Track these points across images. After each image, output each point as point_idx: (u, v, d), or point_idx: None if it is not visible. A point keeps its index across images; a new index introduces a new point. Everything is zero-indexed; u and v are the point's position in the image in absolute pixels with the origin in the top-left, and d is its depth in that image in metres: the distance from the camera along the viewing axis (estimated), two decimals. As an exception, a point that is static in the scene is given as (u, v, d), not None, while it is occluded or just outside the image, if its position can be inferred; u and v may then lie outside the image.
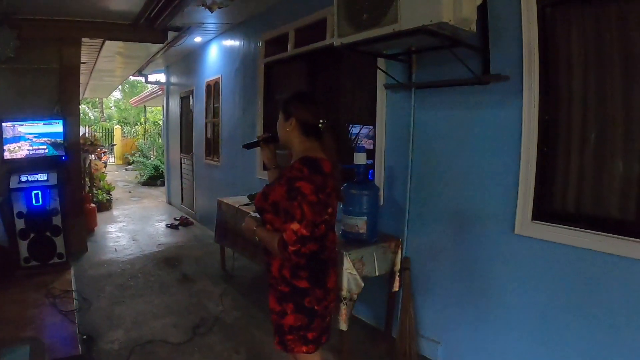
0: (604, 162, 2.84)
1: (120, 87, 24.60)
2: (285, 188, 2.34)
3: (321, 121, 2.51)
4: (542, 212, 3.10)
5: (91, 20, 6.54)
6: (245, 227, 2.66)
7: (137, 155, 18.25)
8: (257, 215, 2.58)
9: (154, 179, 15.94)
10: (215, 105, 8.55)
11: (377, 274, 3.91)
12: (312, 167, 2.34)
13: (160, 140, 17.84)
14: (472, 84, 3.42)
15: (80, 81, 7.24)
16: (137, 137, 22.92)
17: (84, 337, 4.14)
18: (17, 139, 5.96)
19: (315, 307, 2.49)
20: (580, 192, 2.97)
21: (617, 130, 2.77)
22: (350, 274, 3.60)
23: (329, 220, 2.48)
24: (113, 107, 32.11)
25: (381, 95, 4.28)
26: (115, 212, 10.78)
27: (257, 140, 2.81)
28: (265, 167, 2.87)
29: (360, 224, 3.79)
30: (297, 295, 2.47)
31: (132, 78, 16.37)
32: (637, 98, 2.69)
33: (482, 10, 3.18)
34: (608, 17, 2.78)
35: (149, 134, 21.40)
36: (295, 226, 2.26)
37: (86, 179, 9.06)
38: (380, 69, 4.13)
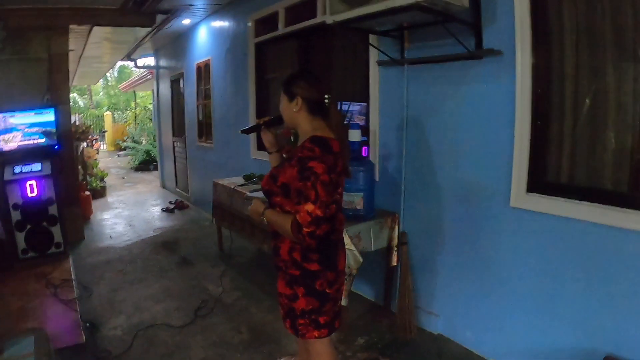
0: (597, 133, 2.85)
1: (109, 73, 24.38)
2: (297, 168, 2.28)
3: (326, 97, 2.50)
4: (537, 184, 3.12)
5: (78, 7, 6.44)
6: (252, 210, 2.60)
7: (129, 140, 18.18)
8: (256, 197, 2.53)
9: (147, 164, 15.93)
10: (206, 87, 8.51)
11: (372, 249, 3.94)
12: (323, 146, 2.30)
13: (151, 125, 17.77)
14: (465, 59, 3.42)
15: (69, 69, 7.17)
16: (128, 123, 22.80)
17: (87, 324, 4.17)
18: (9, 130, 5.93)
19: (327, 290, 2.48)
20: (574, 164, 2.99)
21: (609, 102, 2.78)
22: (349, 250, 3.59)
23: (339, 200, 2.48)
24: (102, 93, 31.86)
25: (374, 72, 4.28)
26: (110, 199, 10.77)
27: (257, 124, 2.70)
28: (266, 150, 2.77)
29: (356, 200, 3.81)
30: (308, 278, 2.45)
31: (120, 63, 16.25)
32: (628, 70, 2.69)
33: (474, -15, 3.17)
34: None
35: (140, 119, 21.29)
36: (309, 207, 2.22)
37: (79, 167, 9.03)
38: (372, 46, 4.12)
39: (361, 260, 3.66)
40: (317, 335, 2.55)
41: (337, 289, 2.55)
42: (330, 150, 2.32)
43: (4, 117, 5.89)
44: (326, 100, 2.50)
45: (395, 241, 4.09)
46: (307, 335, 2.55)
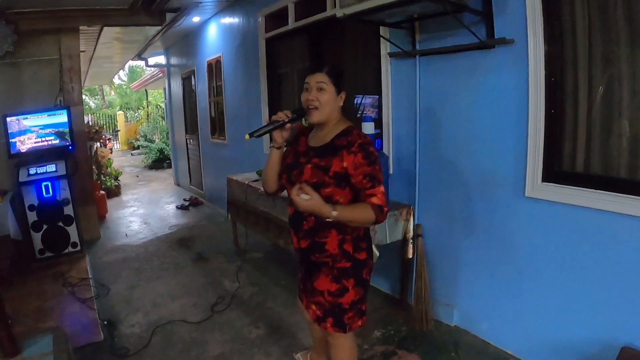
0: (612, 121, 2.82)
1: (120, 72, 24.47)
2: (361, 154, 2.28)
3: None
4: (552, 173, 3.10)
5: (88, 8, 6.51)
6: (315, 211, 2.24)
7: (141, 139, 18.25)
8: (309, 197, 2.31)
9: (160, 162, 15.99)
10: (218, 84, 8.51)
11: (387, 242, 3.95)
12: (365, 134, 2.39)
13: (163, 123, 17.83)
14: (477, 49, 3.39)
15: (81, 70, 7.21)
16: (140, 122, 22.90)
17: (105, 322, 4.21)
18: (23, 132, 5.96)
19: (368, 278, 2.55)
20: (589, 152, 2.95)
21: (624, 90, 2.75)
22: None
23: None
24: (113, 94, 32.01)
25: (385, 64, 4.25)
26: (124, 198, 10.84)
27: (279, 122, 2.45)
28: (273, 145, 2.59)
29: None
30: (358, 268, 2.48)
31: (132, 63, 16.29)
32: (643, 56, 2.66)
33: (484, -27, 3.15)
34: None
35: (152, 117, 21.37)
36: (382, 188, 2.28)
37: (93, 167, 9.08)
38: (383, 38, 4.11)
39: (377, 254, 3.64)
40: (360, 324, 2.58)
41: (371, 275, 2.61)
42: None
43: (18, 119, 5.92)
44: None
45: (411, 233, 4.08)
46: (354, 327, 2.57)
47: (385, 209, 2.27)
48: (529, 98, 3.11)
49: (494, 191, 3.48)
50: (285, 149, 2.63)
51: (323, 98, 2.42)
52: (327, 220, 2.26)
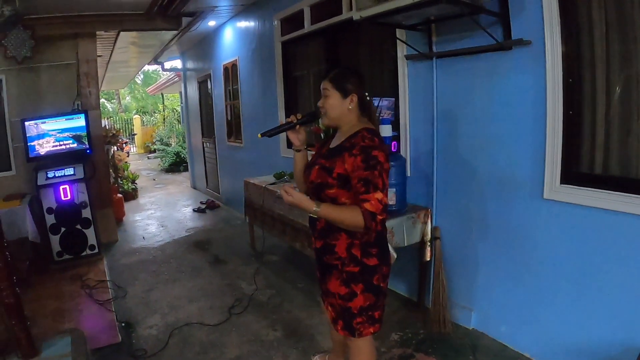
0: (630, 122, 2.80)
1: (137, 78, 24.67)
2: (361, 157, 2.27)
3: (366, 94, 2.50)
4: (570, 175, 3.08)
5: (104, 13, 6.58)
6: (298, 204, 2.36)
7: (158, 143, 18.36)
8: (292, 192, 2.39)
9: (177, 165, 16.07)
10: (234, 87, 8.54)
11: (405, 244, 3.94)
12: (380, 137, 2.35)
13: (179, 127, 17.92)
14: (494, 50, 3.38)
15: (98, 74, 7.28)
16: (157, 125, 23.03)
17: (123, 324, 4.24)
18: (41, 135, 6.03)
19: (382, 285, 2.50)
20: (607, 153, 2.94)
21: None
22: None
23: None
24: (128, 98, 32.24)
25: (402, 66, 4.25)
26: (141, 201, 10.91)
27: (290, 123, 2.61)
28: (292, 148, 2.74)
29: (389, 195, 3.80)
30: (367, 273, 2.45)
31: (147, 67, 16.39)
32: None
33: (500, -26, 3.15)
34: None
35: (169, 121, 21.49)
36: (379, 195, 2.22)
37: (110, 170, 9.15)
38: (400, 40, 4.11)
39: (395, 256, 3.64)
40: (372, 332, 2.55)
41: (387, 283, 2.57)
42: (383, 141, 2.37)
43: (36, 123, 5.99)
44: (367, 96, 2.50)
45: (428, 236, 4.07)
46: (364, 333, 2.54)
47: (379, 216, 2.23)
48: (546, 99, 3.10)
49: (511, 193, 3.46)
50: (302, 151, 2.71)
51: (327, 103, 2.49)
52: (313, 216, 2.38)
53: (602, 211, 2.88)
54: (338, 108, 2.47)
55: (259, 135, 2.67)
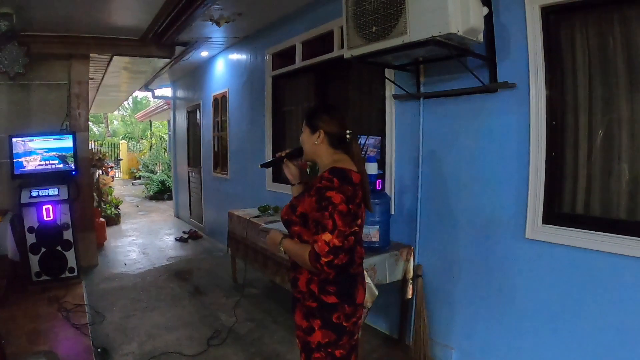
0: (611, 164, 2.90)
1: (126, 102, 24.70)
2: (315, 198, 2.27)
3: (348, 132, 2.49)
4: (552, 215, 3.14)
5: (99, 36, 6.64)
6: (270, 239, 2.55)
7: (143, 169, 18.31)
8: (274, 228, 2.49)
9: (161, 193, 15.98)
10: (222, 119, 8.59)
11: (387, 281, 3.94)
12: (342, 177, 2.29)
13: (166, 155, 17.90)
14: (480, 92, 3.47)
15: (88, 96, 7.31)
16: (143, 152, 22.98)
17: (99, 350, 4.17)
18: (28, 153, 6.01)
19: (344, 324, 2.41)
20: (589, 194, 3.02)
21: (623, 133, 2.83)
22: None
23: (358, 233, 2.43)
24: (116, 122, 32.24)
25: (390, 105, 4.33)
26: (124, 227, 10.82)
27: (279, 157, 2.69)
28: (288, 183, 2.79)
29: (372, 232, 3.82)
30: (325, 310, 2.40)
31: (138, 94, 16.44)
32: (641, 101, 2.74)
33: (488, 19, 3.24)
34: (611, 22, 2.85)
35: (155, 148, 21.47)
36: (327, 237, 2.19)
37: (94, 194, 9.10)
38: (389, 80, 4.19)
39: (377, 293, 3.65)
40: None
41: (355, 322, 2.48)
42: (350, 181, 2.31)
43: (24, 140, 5.98)
44: (348, 134, 2.49)
45: (411, 274, 4.09)
46: None
47: (324, 259, 2.21)
48: (530, 141, 3.18)
49: (494, 232, 3.50)
50: (296, 185, 2.74)
51: (300, 138, 2.57)
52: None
53: (584, 251, 2.93)
54: (307, 143, 2.53)
55: (260, 166, 2.87)
